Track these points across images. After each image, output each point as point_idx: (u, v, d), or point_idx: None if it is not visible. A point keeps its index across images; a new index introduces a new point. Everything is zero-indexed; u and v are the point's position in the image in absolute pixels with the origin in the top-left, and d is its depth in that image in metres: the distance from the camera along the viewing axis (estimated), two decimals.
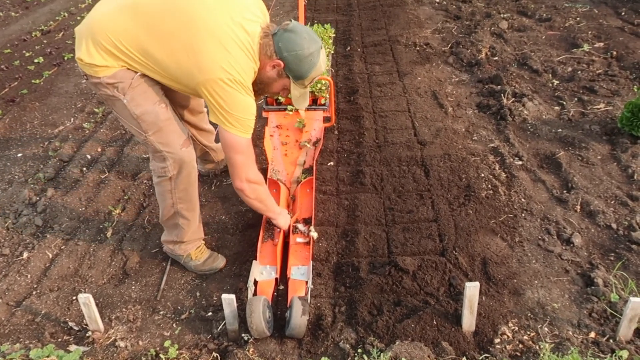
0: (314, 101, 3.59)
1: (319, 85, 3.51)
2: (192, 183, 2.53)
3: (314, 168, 3.20)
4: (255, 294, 2.44)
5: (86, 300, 2.29)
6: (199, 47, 2.13)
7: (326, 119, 3.65)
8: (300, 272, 2.53)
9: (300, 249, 2.68)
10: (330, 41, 3.96)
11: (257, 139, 3.63)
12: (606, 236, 2.78)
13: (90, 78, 2.29)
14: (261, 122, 3.71)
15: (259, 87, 2.38)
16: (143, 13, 2.18)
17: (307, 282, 2.45)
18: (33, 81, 5.06)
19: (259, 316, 2.21)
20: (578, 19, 5.49)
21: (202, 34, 2.13)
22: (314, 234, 2.73)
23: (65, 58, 5.58)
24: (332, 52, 3.97)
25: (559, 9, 5.79)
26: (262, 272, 2.56)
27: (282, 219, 2.71)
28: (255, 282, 2.49)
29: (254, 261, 2.56)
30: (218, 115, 2.22)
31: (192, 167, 2.48)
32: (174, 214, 2.56)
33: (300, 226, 2.78)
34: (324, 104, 3.60)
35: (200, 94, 2.22)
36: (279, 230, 2.73)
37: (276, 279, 2.55)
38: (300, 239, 2.73)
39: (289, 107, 3.57)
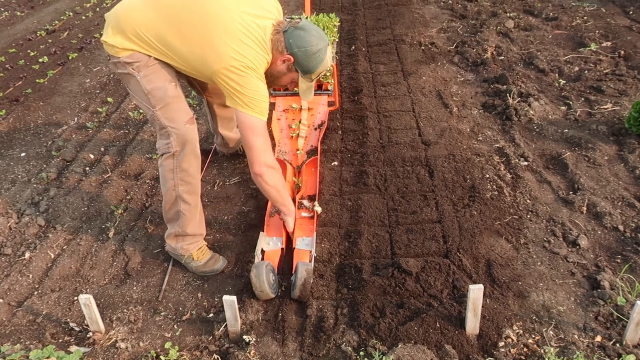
0: (320, 87, 3.79)
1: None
2: (193, 164, 2.59)
3: (319, 149, 3.38)
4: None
5: (87, 301, 2.28)
6: (214, 39, 2.30)
7: (331, 103, 3.85)
8: (304, 243, 2.71)
9: (305, 223, 2.85)
10: (335, 29, 4.11)
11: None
12: (613, 238, 2.74)
13: (112, 58, 2.48)
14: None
15: (269, 79, 2.53)
16: (164, 7, 2.38)
17: (310, 252, 2.62)
18: (37, 81, 5.06)
19: (263, 278, 2.37)
20: (585, 18, 5.44)
21: (217, 27, 2.30)
22: (318, 209, 2.91)
23: (70, 58, 5.58)
24: (337, 40, 4.19)
25: (565, 8, 5.74)
26: (269, 243, 2.74)
27: (292, 219, 2.75)
28: (263, 253, 2.67)
29: (261, 232, 2.74)
30: (234, 99, 2.36)
31: (195, 146, 2.57)
32: (176, 199, 2.60)
33: (306, 202, 2.99)
34: (329, 90, 3.80)
35: (215, 82, 2.38)
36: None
37: (282, 249, 2.72)
38: (305, 214, 2.91)
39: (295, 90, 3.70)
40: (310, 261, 2.57)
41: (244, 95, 2.33)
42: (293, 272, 2.50)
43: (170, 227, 2.71)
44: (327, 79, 3.75)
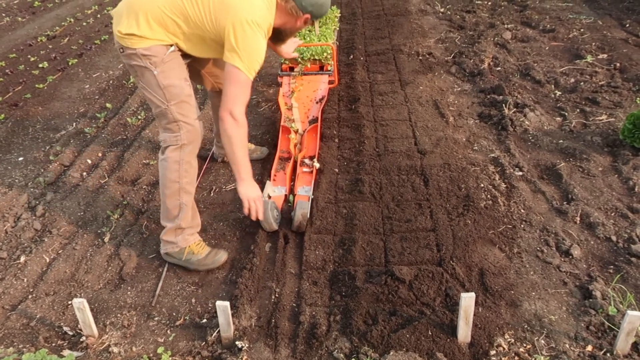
0: (321, 67, 4.31)
1: (325, 54, 4.22)
2: (195, 157, 2.73)
3: (320, 118, 3.85)
4: None
5: (80, 305, 2.29)
6: (229, 2, 2.45)
7: (331, 82, 4.35)
8: (304, 190, 3.23)
9: (306, 176, 3.37)
10: (337, 20, 4.82)
11: (274, 94, 4.58)
12: (605, 248, 2.75)
13: (126, 50, 2.53)
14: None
15: (287, 34, 2.83)
16: None
17: (309, 196, 3.15)
18: (37, 86, 5.09)
19: (268, 213, 2.85)
20: (582, 30, 5.48)
21: None
22: (317, 164, 3.43)
23: (70, 63, 5.62)
24: (337, 29, 4.89)
25: (563, 20, 5.79)
26: (274, 190, 3.26)
27: (244, 186, 2.74)
28: (269, 197, 3.16)
29: (268, 182, 3.28)
30: (232, 53, 2.45)
31: (199, 142, 2.72)
32: (178, 190, 2.67)
33: (307, 160, 3.50)
34: (329, 70, 4.30)
35: (223, 36, 2.46)
36: (289, 162, 3.44)
37: (285, 195, 3.22)
38: (306, 169, 3.42)
39: (296, 70, 4.33)
40: (307, 200, 3.10)
41: (243, 50, 2.44)
42: (294, 208, 3.01)
43: (169, 223, 2.74)
44: (328, 60, 4.25)
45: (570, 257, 2.69)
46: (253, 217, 2.81)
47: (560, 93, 4.30)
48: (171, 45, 2.56)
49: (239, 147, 2.64)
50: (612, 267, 2.63)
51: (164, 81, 2.54)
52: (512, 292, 2.50)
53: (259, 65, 2.52)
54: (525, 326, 2.33)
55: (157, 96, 2.58)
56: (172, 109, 2.58)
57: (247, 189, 2.74)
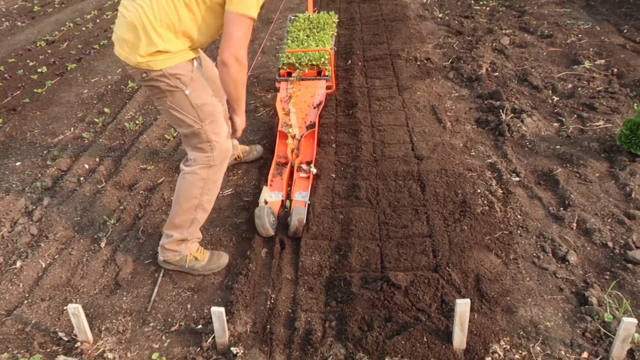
0: (319, 73, 4.29)
1: (322, 60, 4.21)
2: (222, 176, 2.73)
3: (317, 123, 3.83)
4: None
5: (75, 311, 2.28)
6: None
7: (328, 87, 4.33)
8: (301, 195, 3.23)
9: (303, 181, 3.38)
10: (334, 25, 4.83)
11: (272, 100, 4.58)
12: (602, 254, 2.75)
13: (150, 73, 2.42)
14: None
15: None
16: None
17: (305, 202, 3.14)
18: (35, 90, 5.10)
19: (264, 218, 2.90)
20: (580, 35, 5.49)
21: None
22: (314, 170, 3.43)
23: (69, 68, 5.63)
24: (335, 34, 4.86)
25: (561, 26, 5.80)
26: (271, 196, 3.24)
27: (242, 118, 2.76)
28: (266, 203, 3.15)
29: (264, 187, 3.27)
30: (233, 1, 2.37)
31: (228, 161, 2.73)
32: (196, 206, 2.65)
33: (304, 166, 3.50)
34: (327, 75, 4.28)
35: None
36: (286, 167, 3.44)
37: (282, 200, 3.21)
38: (303, 175, 3.42)
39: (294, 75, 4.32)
40: (304, 206, 3.08)
41: None
42: (290, 213, 3.03)
43: (176, 234, 2.70)
44: (325, 66, 4.24)
45: (567, 263, 2.69)
46: (238, 135, 2.83)
47: (557, 98, 4.31)
48: (194, 60, 2.53)
49: (243, 87, 2.63)
50: (608, 273, 2.63)
51: (196, 100, 2.50)
52: (508, 298, 2.50)
53: (260, 4, 2.43)
54: (521, 333, 2.33)
55: (189, 116, 2.52)
56: (206, 129, 2.54)
57: (242, 121, 2.79)
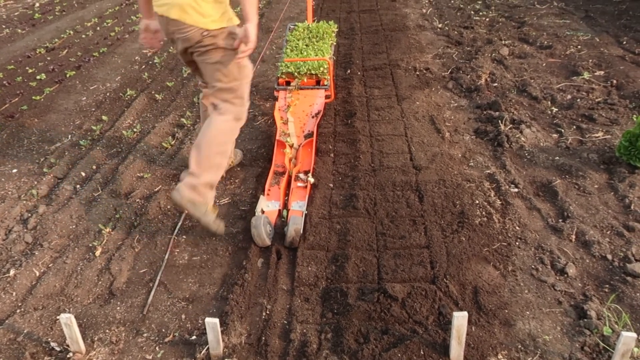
0: (318, 82, 4.31)
1: (321, 69, 4.24)
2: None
3: (315, 133, 3.83)
4: None
5: (68, 321, 2.25)
6: None
7: (327, 96, 4.35)
8: (298, 205, 3.22)
9: (300, 191, 3.36)
10: (334, 35, 4.87)
11: (271, 108, 4.56)
12: (601, 267, 2.72)
13: (211, 31, 2.74)
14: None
15: None
16: None
17: (302, 212, 3.13)
18: (33, 97, 5.09)
19: (261, 228, 2.89)
20: (579, 47, 5.50)
21: None
22: (312, 180, 3.42)
23: (67, 75, 5.62)
24: (335, 44, 4.96)
25: (560, 37, 5.80)
26: (268, 205, 3.24)
27: (255, 27, 2.80)
28: (263, 212, 3.14)
29: (261, 196, 3.25)
30: None
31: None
32: (222, 152, 2.99)
33: (302, 175, 3.49)
34: (325, 85, 4.30)
35: None
36: (284, 176, 3.45)
37: (279, 210, 3.20)
38: (300, 184, 3.41)
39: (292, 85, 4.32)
40: (301, 216, 3.09)
41: None
42: (287, 223, 3.03)
43: (208, 174, 2.90)
44: (324, 75, 4.28)
45: (565, 275, 2.66)
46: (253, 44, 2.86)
47: (556, 109, 4.30)
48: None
49: None
50: (607, 286, 2.60)
51: (244, 60, 2.84)
52: (506, 311, 2.47)
53: None
54: (519, 346, 2.30)
55: (234, 72, 2.87)
56: (245, 86, 2.95)
57: (255, 29, 2.83)
